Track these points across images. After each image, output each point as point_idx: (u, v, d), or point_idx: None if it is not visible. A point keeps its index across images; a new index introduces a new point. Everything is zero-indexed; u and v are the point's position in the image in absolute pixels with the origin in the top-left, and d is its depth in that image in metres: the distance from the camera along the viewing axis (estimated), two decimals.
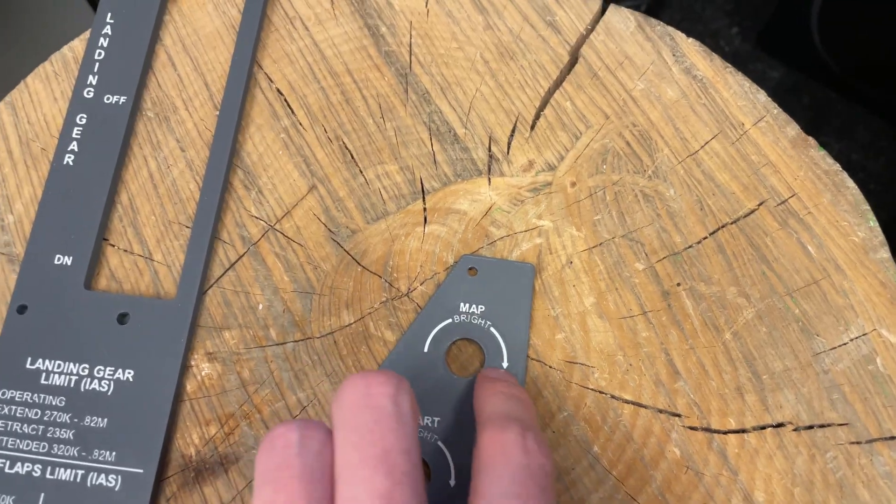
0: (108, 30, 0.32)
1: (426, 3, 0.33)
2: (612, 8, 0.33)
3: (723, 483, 0.27)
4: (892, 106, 0.90)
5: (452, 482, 0.27)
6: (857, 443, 0.28)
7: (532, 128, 0.32)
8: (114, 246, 0.30)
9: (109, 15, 0.32)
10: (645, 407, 0.28)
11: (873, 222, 0.31)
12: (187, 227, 0.30)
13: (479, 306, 0.29)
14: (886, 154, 0.91)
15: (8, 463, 0.27)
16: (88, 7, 0.78)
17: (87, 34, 0.33)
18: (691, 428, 0.28)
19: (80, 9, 0.76)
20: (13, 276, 0.29)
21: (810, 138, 0.32)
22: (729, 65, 0.33)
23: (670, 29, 0.33)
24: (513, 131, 0.32)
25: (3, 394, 0.27)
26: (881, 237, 0.30)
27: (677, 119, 0.32)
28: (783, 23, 0.88)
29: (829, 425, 0.28)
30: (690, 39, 0.33)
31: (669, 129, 0.32)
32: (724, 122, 0.32)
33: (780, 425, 0.28)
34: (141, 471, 0.27)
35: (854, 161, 0.90)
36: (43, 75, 0.32)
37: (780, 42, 0.91)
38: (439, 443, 0.27)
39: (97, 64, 0.32)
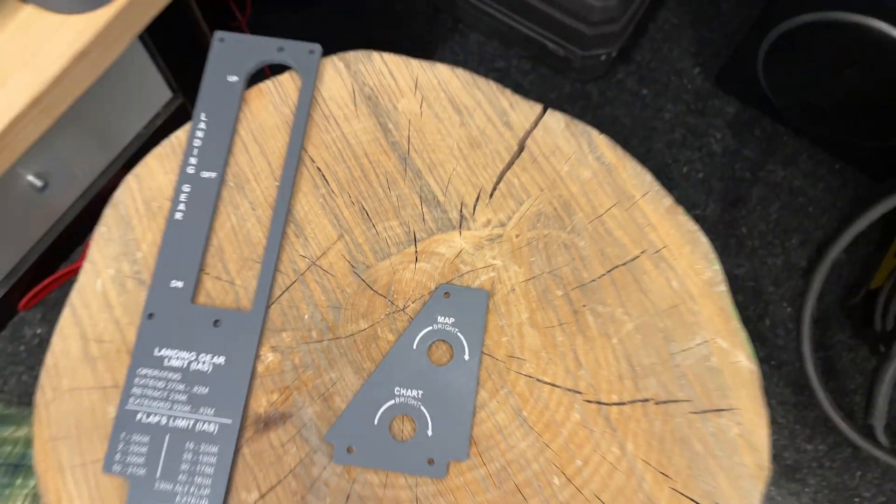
0: (202, 125, 0.47)
1: (420, 107, 0.48)
2: (549, 112, 0.48)
3: (606, 437, 0.42)
4: (829, 140, 1.04)
5: (430, 433, 0.42)
6: (696, 413, 0.42)
7: (490, 196, 0.46)
8: (209, 274, 0.45)
9: (204, 115, 0.47)
10: (558, 387, 0.43)
11: (717, 265, 0.45)
12: (257, 262, 0.45)
13: (451, 318, 0.44)
14: (824, 181, 1.05)
15: (144, 415, 0.42)
16: (162, 81, 0.93)
17: (187, 126, 0.47)
18: (587, 401, 0.43)
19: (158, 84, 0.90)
20: (143, 293, 0.44)
21: (679, 207, 0.46)
22: (627, 153, 0.47)
23: (589, 127, 0.48)
24: (477, 199, 0.46)
25: (141, 371, 0.42)
26: (722, 275, 0.45)
27: (590, 192, 0.46)
28: (737, 64, 1.02)
29: (677, 401, 0.43)
30: (603, 136, 0.48)
31: (584, 199, 0.46)
32: (621, 195, 0.46)
33: (645, 400, 0.43)
34: (230, 421, 0.41)
35: (796, 187, 1.04)
36: (157, 155, 0.47)
37: (735, 81, 1.05)
38: (422, 407, 0.42)
39: (196, 149, 0.46)
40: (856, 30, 0.85)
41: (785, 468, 0.94)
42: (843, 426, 0.87)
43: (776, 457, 0.94)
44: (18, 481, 0.68)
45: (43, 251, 0.93)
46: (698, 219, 1.02)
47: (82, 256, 0.96)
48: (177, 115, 1.02)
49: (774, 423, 0.95)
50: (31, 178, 0.85)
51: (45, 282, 0.94)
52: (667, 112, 1.06)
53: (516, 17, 0.99)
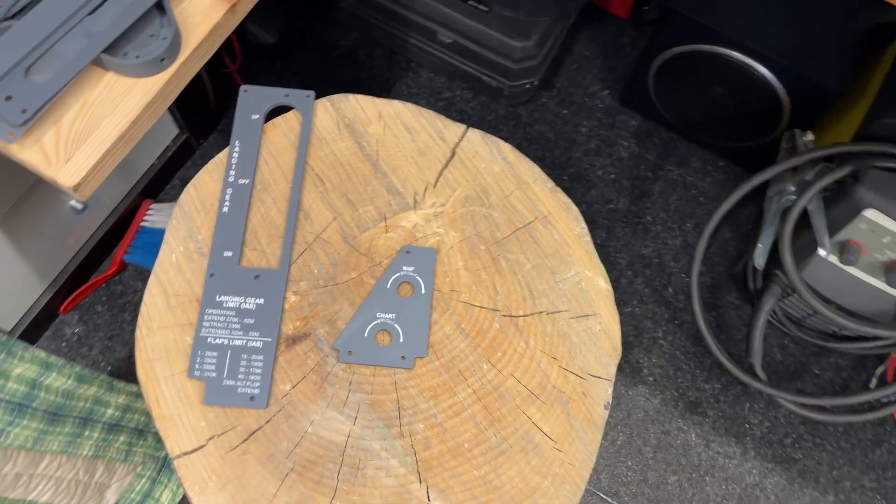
0: (237, 148, 0.69)
1: (383, 130, 0.71)
2: (470, 129, 0.71)
3: (516, 337, 0.65)
4: (711, 143, 1.29)
5: (401, 340, 0.64)
6: (573, 318, 0.66)
7: (434, 186, 0.69)
8: (248, 247, 0.67)
9: (237, 141, 0.69)
10: (484, 308, 0.66)
11: (583, 224, 0.68)
12: (280, 237, 0.67)
13: (412, 267, 0.66)
14: (711, 176, 1.30)
15: (213, 339, 0.63)
16: (171, 120, 1.15)
17: (225, 150, 0.70)
18: (503, 315, 0.66)
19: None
20: (204, 261, 0.66)
21: (558, 188, 0.70)
22: (522, 154, 0.71)
23: (497, 139, 0.71)
24: (425, 189, 0.69)
25: (208, 310, 0.64)
26: (586, 230, 0.68)
27: (499, 181, 0.70)
28: (635, 87, 1.27)
29: (560, 311, 0.66)
30: (506, 143, 0.71)
31: (496, 185, 0.69)
32: (520, 182, 0.70)
33: (540, 312, 0.66)
34: (269, 339, 0.63)
35: (689, 182, 1.29)
36: (207, 170, 0.69)
37: (635, 100, 1.30)
38: (395, 325, 0.64)
39: (234, 164, 0.68)
40: (715, 57, 1.11)
41: (689, 404, 1.18)
42: (731, 367, 1.11)
43: (682, 396, 1.18)
44: (86, 433, 0.89)
45: (79, 263, 1.14)
46: (612, 211, 1.26)
47: (111, 265, 1.16)
48: (183, 148, 1.24)
49: (679, 368, 1.19)
50: (73, 202, 1.06)
51: (81, 289, 1.15)
52: (583, 127, 1.31)
53: (458, 57, 1.23)
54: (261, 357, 0.63)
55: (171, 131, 1.20)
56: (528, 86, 1.23)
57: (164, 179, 1.23)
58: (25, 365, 0.75)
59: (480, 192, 0.69)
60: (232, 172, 0.68)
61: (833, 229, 0.99)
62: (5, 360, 0.72)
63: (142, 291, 1.18)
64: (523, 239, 0.68)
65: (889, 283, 1.00)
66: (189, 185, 0.69)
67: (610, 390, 0.64)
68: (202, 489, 0.60)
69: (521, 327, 0.66)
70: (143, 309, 0.65)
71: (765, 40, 1.07)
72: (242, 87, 0.72)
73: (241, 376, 0.63)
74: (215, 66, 1.24)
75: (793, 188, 1.03)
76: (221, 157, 0.70)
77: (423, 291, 0.66)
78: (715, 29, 1.07)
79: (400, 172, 0.70)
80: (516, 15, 1.13)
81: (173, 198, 1.23)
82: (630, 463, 1.14)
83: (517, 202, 0.69)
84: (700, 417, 1.17)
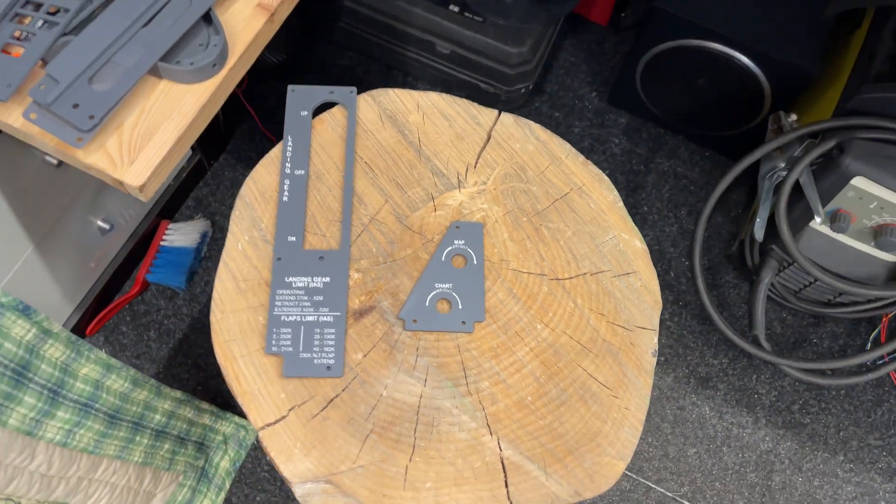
0: (290, 142, 0.74)
1: (422, 119, 0.77)
2: (502, 114, 0.77)
3: (565, 298, 0.70)
4: (698, 134, 1.38)
5: (460, 307, 0.69)
6: (615, 276, 0.71)
7: (475, 167, 0.75)
8: (309, 231, 0.71)
9: (290, 136, 0.74)
10: (532, 273, 0.71)
11: (615, 192, 0.74)
12: (338, 221, 0.72)
13: (462, 241, 0.71)
14: (699, 165, 1.38)
15: (286, 316, 0.67)
16: None
17: (279, 146, 0.74)
18: (551, 279, 0.71)
19: None
20: (268, 248, 0.70)
21: (589, 161, 0.76)
22: (555, 134, 0.77)
23: (528, 120, 0.77)
24: (467, 170, 0.75)
25: (278, 291, 0.68)
26: (619, 197, 0.74)
27: (535, 158, 0.75)
28: (622, 86, 1.35)
29: (602, 272, 0.71)
30: (537, 124, 0.77)
31: (531, 162, 0.75)
32: (553, 158, 0.76)
33: (584, 274, 0.71)
34: (339, 313, 0.68)
35: (679, 172, 1.37)
36: (264, 164, 0.74)
37: (623, 99, 1.38)
38: (453, 293, 0.69)
39: (288, 157, 0.73)
40: (699, 50, 1.19)
41: (700, 379, 1.24)
42: (737, 340, 1.18)
43: (693, 372, 1.24)
44: (137, 437, 0.91)
45: (103, 285, 1.16)
46: None
47: (134, 286, 1.19)
48: (196, 169, 1.28)
49: (687, 347, 1.25)
50: (100, 222, 1.09)
51: (106, 309, 1.17)
52: (575, 127, 1.38)
53: (454, 66, 1.29)
54: (333, 330, 0.67)
55: (186, 153, 1.24)
56: (523, 90, 1.30)
57: (180, 200, 1.27)
58: (91, 365, 0.77)
59: (518, 169, 0.75)
60: (288, 165, 0.73)
61: (823, 200, 1.07)
62: (75, 360, 0.75)
63: (165, 310, 1.21)
64: (562, 209, 0.74)
65: (878, 246, 1.08)
66: (248, 179, 0.73)
67: (655, 339, 0.70)
68: (288, 456, 0.63)
69: (567, 288, 0.71)
70: (214, 295, 0.69)
71: (742, 31, 1.15)
72: (290, 87, 0.77)
73: (315, 349, 0.67)
74: None
75: (783, 164, 1.11)
76: (275, 151, 0.75)
77: (475, 262, 0.71)
78: (696, 23, 1.16)
79: (442, 156, 0.75)
80: (508, 23, 1.21)
81: (189, 217, 1.27)
82: (650, 439, 1.19)
83: (552, 176, 0.75)
84: (712, 391, 1.23)
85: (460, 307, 0.69)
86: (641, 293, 0.71)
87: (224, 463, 1.08)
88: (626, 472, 1.16)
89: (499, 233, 0.73)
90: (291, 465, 0.63)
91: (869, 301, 1.18)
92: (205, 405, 1.05)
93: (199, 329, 1.20)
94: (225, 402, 1.14)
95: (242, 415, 1.11)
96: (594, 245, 0.73)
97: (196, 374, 1.17)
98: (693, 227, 1.29)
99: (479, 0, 1.20)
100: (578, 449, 0.66)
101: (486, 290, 0.70)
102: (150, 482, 0.98)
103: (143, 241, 1.21)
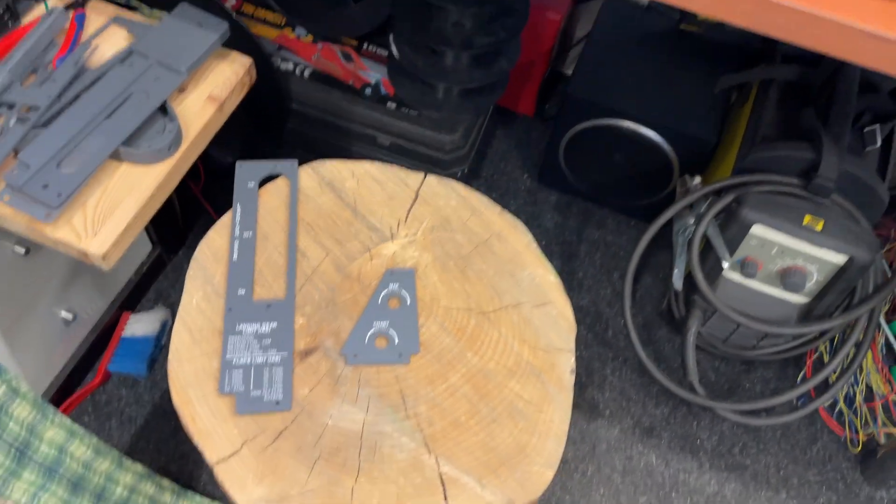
0: (239, 209, 0.83)
1: (357, 184, 0.87)
2: (428, 175, 0.88)
3: (490, 328, 0.78)
4: (620, 205, 1.50)
5: (397, 342, 0.76)
6: (534, 306, 0.80)
7: (406, 221, 0.85)
8: (258, 283, 0.79)
9: (239, 204, 0.83)
10: (460, 308, 0.79)
11: (529, 236, 0.84)
12: (283, 273, 0.80)
13: (396, 284, 0.80)
14: (626, 233, 1.50)
15: (236, 359, 0.74)
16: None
17: (229, 213, 0.83)
18: (478, 313, 0.79)
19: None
20: (221, 300, 0.78)
21: (506, 211, 0.86)
22: (473, 189, 0.87)
23: (451, 180, 0.88)
24: (398, 224, 0.84)
25: (230, 338, 0.75)
26: (534, 240, 0.84)
27: (458, 211, 0.85)
28: (548, 166, 1.49)
29: (522, 303, 0.80)
30: (458, 182, 0.88)
31: (455, 215, 0.85)
32: (473, 209, 0.86)
33: (506, 307, 0.80)
34: (286, 353, 0.75)
35: (609, 240, 1.49)
36: (215, 229, 0.82)
37: (551, 177, 1.52)
38: (390, 330, 0.77)
39: (237, 222, 0.82)
40: (611, 129, 1.34)
41: (644, 429, 1.30)
42: (673, 388, 1.25)
43: (637, 423, 1.30)
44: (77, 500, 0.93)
45: (65, 377, 1.21)
46: None
47: (96, 376, 1.23)
48: (156, 263, 1.36)
49: (630, 399, 1.33)
50: (64, 313, 1.15)
51: (68, 401, 1.21)
52: (511, 206, 1.51)
53: (395, 155, 1.42)
54: (280, 369, 0.74)
55: (146, 247, 1.32)
56: (459, 174, 1.42)
57: (141, 292, 1.34)
58: (55, 429, 0.82)
59: (443, 221, 0.85)
60: (237, 228, 0.82)
61: (731, 249, 1.18)
62: (41, 422, 0.80)
63: (126, 398, 1.25)
64: (483, 252, 0.83)
65: (785, 288, 1.19)
66: (201, 242, 0.82)
67: (572, 359, 0.78)
68: (242, 486, 0.69)
69: (492, 320, 0.79)
70: (171, 346, 0.76)
71: (648, 109, 1.31)
72: (238, 163, 0.87)
73: (265, 386, 0.73)
74: (181, 188, 1.38)
75: (692, 221, 1.23)
76: (226, 218, 0.84)
77: (408, 302, 0.79)
78: (606, 105, 1.31)
79: (376, 214, 0.85)
80: (440, 114, 1.35)
81: (149, 308, 1.33)
82: (602, 490, 1.24)
83: (474, 225, 0.85)
84: (656, 440, 1.29)
85: (397, 342, 0.77)
86: (557, 320, 0.80)
87: None
88: None
89: (429, 276, 0.82)
90: (245, 494, 0.69)
91: (787, 341, 1.28)
92: (166, 482, 1.08)
93: (160, 414, 1.24)
94: (186, 482, 1.17)
95: (205, 494, 1.14)
96: (514, 281, 0.82)
97: (157, 458, 1.20)
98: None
99: (413, 96, 1.34)
100: (510, 460, 0.72)
101: (420, 326, 0.78)
102: None
103: (104, 333, 1.27)
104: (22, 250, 1.00)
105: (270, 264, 0.81)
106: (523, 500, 0.70)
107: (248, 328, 0.76)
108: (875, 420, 1.32)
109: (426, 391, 0.75)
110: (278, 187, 0.87)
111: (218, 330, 0.77)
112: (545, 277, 0.82)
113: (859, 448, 1.32)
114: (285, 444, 0.71)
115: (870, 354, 1.38)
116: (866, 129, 1.21)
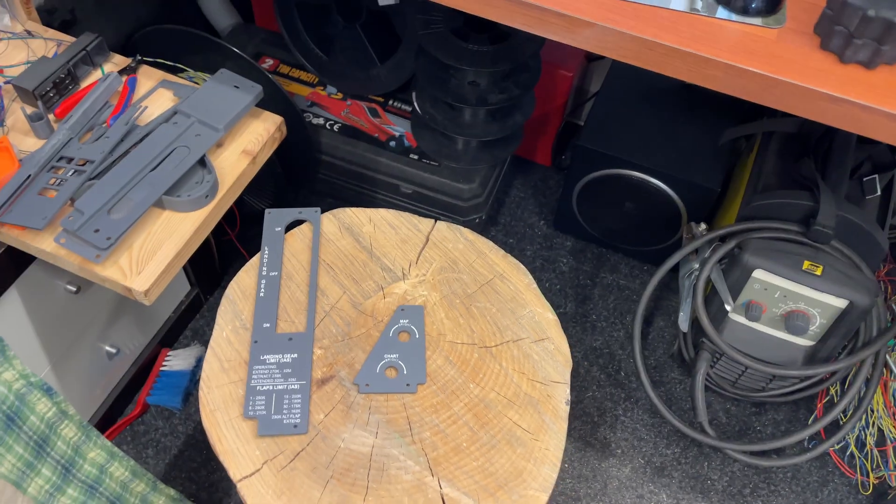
0: (266, 251, 0.92)
1: (374, 229, 0.95)
2: (438, 222, 0.96)
3: (492, 361, 0.85)
4: (632, 250, 1.57)
5: (405, 372, 0.84)
6: (533, 342, 0.86)
7: (417, 263, 0.92)
8: (281, 318, 0.87)
9: (267, 247, 0.92)
10: (465, 343, 0.86)
11: (530, 277, 0.91)
12: (305, 309, 0.88)
13: (406, 320, 0.87)
14: (639, 277, 1.56)
15: (260, 386, 0.82)
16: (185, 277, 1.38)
17: (258, 255, 0.92)
18: (480, 347, 0.86)
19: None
20: (248, 334, 0.86)
21: (509, 255, 0.93)
22: (479, 234, 0.95)
23: (459, 226, 0.96)
24: (410, 265, 0.92)
25: (255, 367, 0.83)
26: (533, 280, 0.91)
27: (465, 254, 0.93)
28: (563, 213, 1.56)
29: (522, 339, 0.87)
30: (465, 228, 0.96)
31: (462, 257, 0.93)
32: (479, 252, 0.93)
33: (507, 342, 0.87)
34: (305, 382, 0.82)
35: (622, 284, 1.55)
36: (245, 269, 0.91)
37: (566, 224, 1.59)
38: (399, 361, 0.84)
39: (265, 263, 0.91)
40: (620, 178, 1.41)
41: (655, 469, 1.34)
42: (683, 428, 1.29)
43: (648, 462, 1.34)
44: None
45: (107, 408, 1.30)
46: (561, 315, 1.50)
47: (135, 408, 1.32)
48: (194, 303, 1.45)
49: (641, 439, 1.37)
50: (108, 347, 1.25)
51: (109, 430, 1.30)
52: (527, 251, 1.58)
53: (416, 203, 1.51)
54: (299, 396, 0.82)
55: (185, 288, 1.42)
56: (477, 220, 1.51)
57: (179, 330, 1.43)
58: (97, 450, 0.91)
59: (451, 263, 0.93)
60: (264, 268, 0.91)
61: (734, 293, 1.23)
62: (84, 443, 0.88)
63: (162, 429, 1.33)
64: (487, 291, 0.91)
65: (789, 331, 1.23)
66: (232, 282, 0.91)
67: (568, 390, 0.84)
68: (261, 502, 0.76)
69: (494, 354, 0.86)
70: (202, 375, 0.84)
71: (655, 159, 1.38)
72: (267, 210, 0.96)
73: (285, 411, 0.81)
74: (218, 233, 1.49)
75: (697, 266, 1.29)
76: (254, 260, 0.93)
77: (417, 336, 0.87)
78: (615, 156, 1.38)
79: (389, 256, 0.93)
80: (459, 165, 1.44)
81: (186, 345, 1.42)
82: None
83: (479, 267, 0.93)
84: (667, 479, 1.33)
85: (405, 373, 0.84)
86: (554, 354, 0.86)
87: None
88: None
89: (437, 313, 0.89)
90: None
91: (795, 383, 1.32)
92: None
93: (193, 444, 1.32)
94: None
95: None
96: (514, 318, 0.89)
97: (189, 486, 1.28)
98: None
99: (434, 149, 1.44)
100: (507, 484, 0.78)
101: (427, 359, 0.85)
102: None
103: (144, 367, 1.36)
104: (73, 289, 1.10)
105: (293, 301, 0.89)
106: None
107: (272, 358, 0.84)
108: (886, 463, 1.33)
109: (431, 418, 0.81)
110: (303, 232, 0.96)
111: (244, 360, 0.85)
112: (544, 315, 0.89)
113: (870, 491, 1.33)
114: (301, 465, 0.78)
115: (881, 398, 1.40)
116: (866, 179, 1.26)
